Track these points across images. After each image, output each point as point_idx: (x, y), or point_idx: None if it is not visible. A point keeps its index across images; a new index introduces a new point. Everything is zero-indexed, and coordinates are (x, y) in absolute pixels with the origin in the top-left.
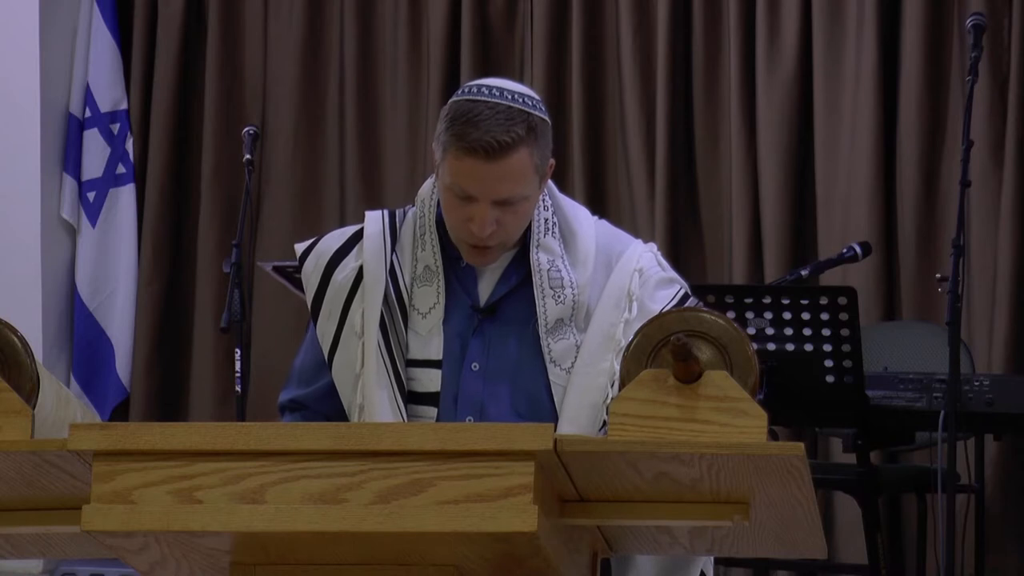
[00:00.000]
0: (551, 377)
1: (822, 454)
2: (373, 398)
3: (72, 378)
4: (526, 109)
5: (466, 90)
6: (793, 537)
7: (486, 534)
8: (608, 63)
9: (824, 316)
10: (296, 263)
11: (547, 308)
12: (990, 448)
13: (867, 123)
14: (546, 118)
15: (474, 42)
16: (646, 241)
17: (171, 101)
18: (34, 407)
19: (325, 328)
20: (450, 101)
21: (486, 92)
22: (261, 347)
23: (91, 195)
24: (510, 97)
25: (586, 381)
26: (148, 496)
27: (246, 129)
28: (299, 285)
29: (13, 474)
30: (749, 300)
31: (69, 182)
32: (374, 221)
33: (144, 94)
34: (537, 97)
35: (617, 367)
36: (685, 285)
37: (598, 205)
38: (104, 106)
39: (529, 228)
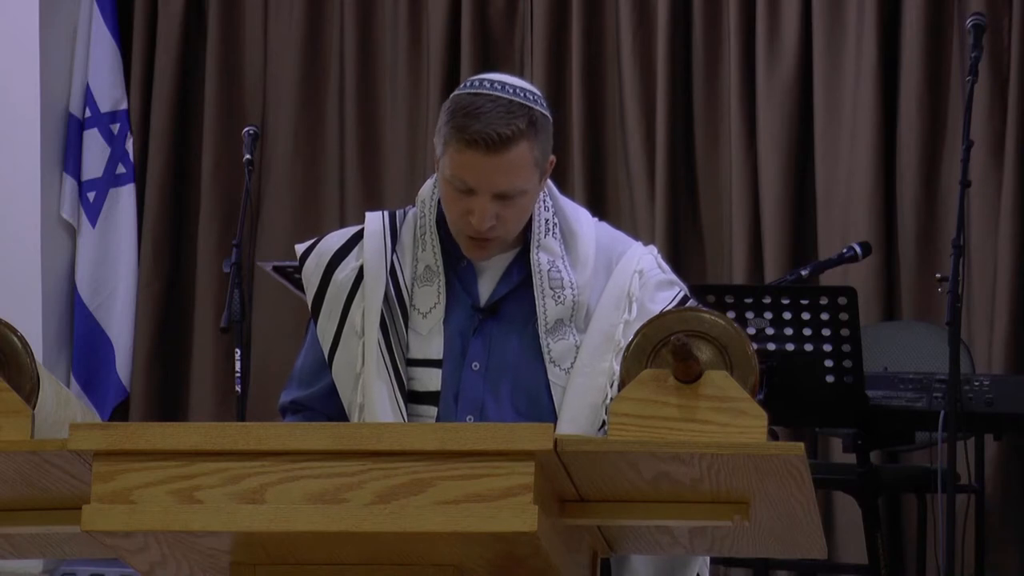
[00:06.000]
0: (551, 377)
1: (822, 454)
2: (373, 397)
3: (72, 378)
4: (528, 103)
5: (468, 84)
6: (793, 537)
7: (486, 534)
8: (608, 63)
9: (824, 316)
10: (296, 263)
11: (547, 308)
12: (990, 448)
13: (867, 123)
14: (547, 114)
15: (474, 42)
16: (646, 243)
17: (171, 101)
18: (34, 407)
19: (325, 327)
20: (452, 94)
21: (488, 86)
22: (261, 347)
23: (91, 195)
24: (512, 91)
25: (586, 381)
26: (148, 496)
27: (246, 129)
28: (299, 285)
29: (13, 474)
30: (749, 300)
31: (69, 182)
32: (374, 221)
33: (144, 94)
34: (539, 92)
35: (617, 368)
36: (685, 287)
37: (598, 205)
38: (104, 106)
39: (530, 228)
